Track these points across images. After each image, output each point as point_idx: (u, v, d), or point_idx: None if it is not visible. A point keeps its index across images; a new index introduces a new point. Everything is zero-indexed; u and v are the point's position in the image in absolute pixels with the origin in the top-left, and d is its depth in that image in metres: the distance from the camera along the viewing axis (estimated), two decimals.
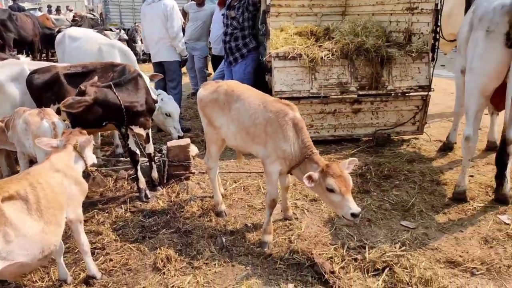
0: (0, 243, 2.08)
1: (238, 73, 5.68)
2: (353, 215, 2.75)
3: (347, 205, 2.76)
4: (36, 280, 2.92)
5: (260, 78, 5.83)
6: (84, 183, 2.77)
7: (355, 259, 3.04)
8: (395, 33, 5.99)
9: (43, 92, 4.09)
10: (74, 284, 2.87)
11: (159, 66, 5.95)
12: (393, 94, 5.43)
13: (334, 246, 3.20)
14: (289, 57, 5.21)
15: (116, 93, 3.66)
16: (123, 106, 3.68)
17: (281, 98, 4.18)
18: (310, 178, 2.81)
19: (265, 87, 5.47)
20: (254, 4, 5.52)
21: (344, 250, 3.14)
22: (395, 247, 3.12)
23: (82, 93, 3.41)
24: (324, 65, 5.21)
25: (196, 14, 7.37)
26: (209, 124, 3.66)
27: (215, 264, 3.06)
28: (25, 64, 4.47)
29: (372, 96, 5.40)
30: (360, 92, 5.36)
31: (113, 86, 3.69)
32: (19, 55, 5.24)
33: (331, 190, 2.79)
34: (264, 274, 2.95)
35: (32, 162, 4.06)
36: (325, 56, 5.17)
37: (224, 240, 3.31)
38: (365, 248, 3.14)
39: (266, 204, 3.31)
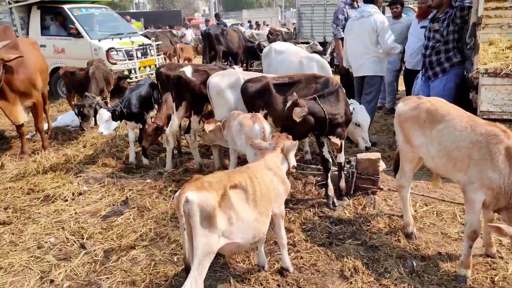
0: (225, 224, 2.47)
1: (437, 89, 5.35)
2: None
3: None
4: (239, 261, 3.36)
5: (462, 96, 5.37)
6: (288, 183, 3.05)
7: None
8: None
9: (255, 99, 4.63)
10: (270, 272, 3.19)
11: (361, 80, 6.06)
12: None
13: None
14: (501, 74, 4.67)
15: (321, 105, 3.90)
16: (327, 118, 3.90)
17: (487, 119, 3.77)
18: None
19: (468, 106, 5.01)
20: (462, 16, 5.12)
21: None
22: None
23: (295, 104, 3.72)
24: None
25: (391, 26, 7.23)
26: (406, 141, 3.55)
27: (404, 286, 2.97)
28: (240, 73, 5.14)
29: None
30: None
31: (317, 98, 3.95)
32: (234, 66, 6.05)
33: None
34: None
35: (239, 158, 4.68)
36: None
37: (415, 264, 3.18)
38: None
39: (465, 235, 3.03)
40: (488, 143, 2.82)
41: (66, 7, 10.11)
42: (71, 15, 10.01)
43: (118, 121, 5.50)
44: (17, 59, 5.48)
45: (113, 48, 9.99)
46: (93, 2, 11.50)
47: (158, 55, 11.25)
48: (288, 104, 3.74)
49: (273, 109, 4.49)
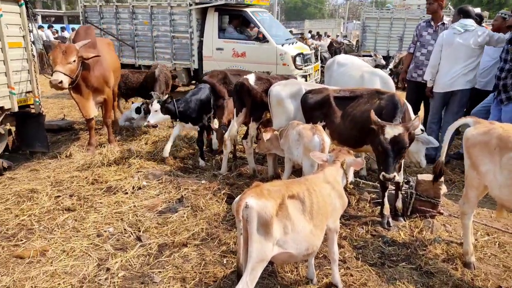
0: (280, 233, 2.49)
1: (510, 114, 5.04)
2: None
3: None
4: (287, 271, 3.36)
5: None
6: (345, 198, 3.01)
7: None
8: None
9: (314, 110, 4.62)
10: (318, 286, 3.16)
11: (447, 95, 5.92)
12: None
13: None
14: None
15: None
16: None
17: None
18: None
19: None
20: None
21: None
22: None
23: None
24: None
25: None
26: (473, 167, 3.37)
27: None
28: (302, 84, 5.16)
29: None
30: None
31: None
32: (297, 76, 6.09)
33: None
34: None
35: (293, 168, 4.69)
36: None
37: None
38: None
39: None
40: None
41: (248, 10, 9.99)
42: (255, 19, 9.81)
43: (168, 116, 5.63)
44: (94, 58, 5.88)
45: (301, 53, 9.79)
46: (248, 6, 10.84)
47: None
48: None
49: (331, 122, 4.47)
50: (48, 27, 19.86)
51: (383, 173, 3.72)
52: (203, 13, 10.03)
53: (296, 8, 69.34)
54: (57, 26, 22.40)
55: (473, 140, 3.34)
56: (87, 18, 10.54)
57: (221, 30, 10.07)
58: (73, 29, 18.53)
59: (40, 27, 17.21)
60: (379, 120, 3.73)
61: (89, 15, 10.62)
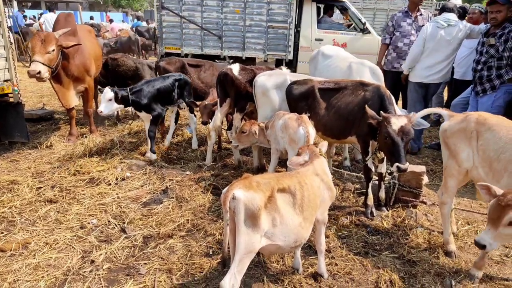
0: (268, 225, 2.49)
1: (485, 106, 5.17)
2: None
3: None
4: (273, 262, 3.38)
5: (509, 113, 5.18)
6: (334, 190, 3.04)
7: None
8: None
9: (298, 101, 4.63)
10: (304, 276, 3.20)
11: (426, 86, 6.13)
12: None
13: None
14: None
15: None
16: None
17: None
18: None
19: None
20: None
21: None
22: None
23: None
24: None
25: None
26: (451, 156, 3.48)
27: None
28: (288, 75, 5.14)
29: None
30: None
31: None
32: (281, 67, 6.05)
33: None
34: None
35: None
36: None
37: (453, 283, 3.10)
38: None
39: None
40: None
41: (347, 1, 9.85)
42: (355, 10, 9.84)
43: (121, 105, 5.38)
44: (75, 46, 5.74)
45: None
46: None
47: None
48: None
49: (315, 113, 4.48)
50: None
51: (397, 164, 3.66)
52: (299, 2, 9.82)
53: None
54: (33, 12, 21.72)
55: (450, 130, 3.47)
56: (164, 3, 9.65)
57: (319, 21, 10.03)
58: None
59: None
60: (382, 113, 3.75)
61: (167, 1, 9.69)
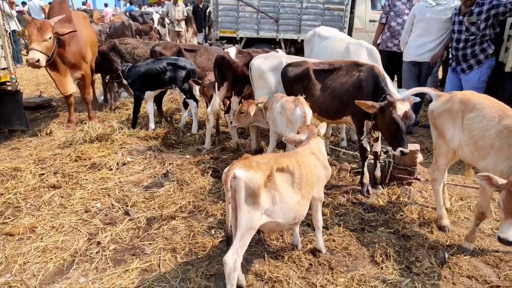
0: (268, 203, 2.60)
1: (472, 82, 5.30)
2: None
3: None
4: (273, 239, 3.51)
5: (492, 88, 5.32)
6: (329, 169, 3.14)
7: None
8: None
9: (294, 83, 4.69)
10: (303, 251, 3.33)
11: (419, 65, 6.19)
12: None
13: None
14: None
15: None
16: None
17: None
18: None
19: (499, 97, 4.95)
20: (504, 13, 5.04)
21: None
22: None
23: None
24: None
25: None
26: (439, 136, 3.59)
27: (434, 276, 3.04)
28: (283, 57, 5.19)
29: None
30: None
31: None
32: (278, 49, 6.10)
33: None
34: None
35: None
36: None
37: (446, 255, 3.23)
38: None
39: (474, 215, 3.32)
40: (509, 134, 2.91)
41: None
42: None
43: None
44: (70, 33, 5.75)
45: None
46: None
47: None
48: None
49: (311, 95, 4.55)
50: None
51: (401, 149, 3.75)
52: None
53: None
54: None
55: (437, 110, 3.58)
56: None
57: (372, 2, 10.05)
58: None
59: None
60: (388, 97, 3.80)
61: None
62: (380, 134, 4.30)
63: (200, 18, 11.65)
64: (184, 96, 6.21)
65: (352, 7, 9.91)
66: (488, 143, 3.06)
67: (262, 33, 10.01)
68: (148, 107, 6.18)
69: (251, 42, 9.94)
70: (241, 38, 9.84)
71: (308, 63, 4.74)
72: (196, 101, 6.27)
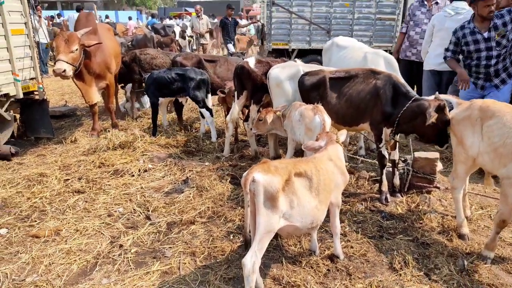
0: (286, 207, 2.65)
1: (506, 95, 5.05)
2: None
3: None
4: (291, 245, 3.54)
5: None
6: (347, 175, 3.17)
7: None
8: None
9: (310, 92, 4.73)
10: (320, 257, 3.35)
11: (440, 74, 6.14)
12: None
13: None
14: None
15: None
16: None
17: None
18: None
19: None
20: None
21: None
22: None
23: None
24: None
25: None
26: (459, 143, 3.59)
27: (453, 284, 3.01)
28: (300, 66, 5.25)
29: None
30: None
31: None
32: (296, 59, 6.17)
33: None
34: None
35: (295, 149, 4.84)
36: None
37: (466, 263, 3.20)
38: None
39: (495, 222, 3.26)
40: None
41: None
42: None
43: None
44: (96, 45, 5.97)
45: None
46: None
47: None
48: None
49: (327, 102, 4.58)
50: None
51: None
52: None
53: None
54: (50, 13, 22.23)
55: (457, 118, 3.58)
56: (274, 0, 9.87)
57: None
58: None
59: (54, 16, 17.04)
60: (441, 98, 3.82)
61: None
62: (397, 142, 4.32)
63: (228, 31, 11.86)
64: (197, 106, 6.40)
65: (403, 16, 9.96)
66: (509, 150, 3.05)
67: (313, 44, 10.15)
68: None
69: (302, 53, 10.12)
70: (293, 50, 10.01)
71: (324, 71, 4.79)
72: (209, 110, 6.38)
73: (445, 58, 5.13)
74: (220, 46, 16.10)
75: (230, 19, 12.03)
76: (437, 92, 4.15)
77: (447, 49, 5.11)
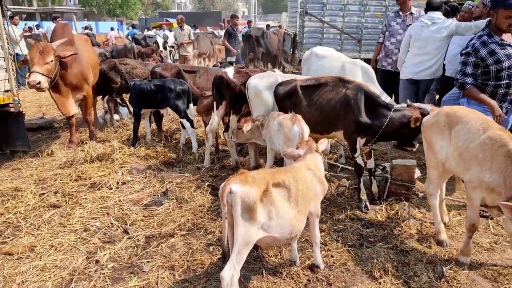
0: (264, 218, 2.63)
1: None
2: None
3: None
4: (271, 256, 3.51)
5: None
6: (326, 184, 3.18)
7: None
8: None
9: (284, 100, 4.76)
10: (301, 267, 3.32)
11: (416, 83, 6.25)
12: None
13: None
14: None
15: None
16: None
17: None
18: None
19: None
20: None
21: None
22: None
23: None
24: None
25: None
26: (429, 149, 3.68)
27: None
28: (278, 75, 5.28)
29: None
30: None
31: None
32: (275, 69, 6.21)
33: None
34: None
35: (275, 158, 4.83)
36: None
37: (444, 269, 3.23)
38: None
39: (466, 227, 3.34)
40: (492, 146, 2.98)
41: None
42: None
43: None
44: (72, 55, 5.87)
45: None
46: None
47: None
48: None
49: (299, 111, 4.60)
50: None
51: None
52: None
53: (273, 1, 69.41)
54: (29, 24, 21.91)
55: (426, 124, 3.69)
56: (307, 10, 9.97)
57: None
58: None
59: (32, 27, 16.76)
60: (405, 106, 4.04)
61: (310, 7, 10.02)
62: (371, 150, 4.39)
63: (234, 41, 11.81)
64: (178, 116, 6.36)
65: None
66: (472, 155, 3.13)
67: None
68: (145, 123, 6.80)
69: None
70: None
71: (296, 80, 4.83)
72: (190, 121, 6.34)
73: (462, 86, 4.15)
74: (202, 56, 16.05)
75: (235, 28, 12.01)
76: (408, 100, 4.26)
77: (464, 74, 4.12)
